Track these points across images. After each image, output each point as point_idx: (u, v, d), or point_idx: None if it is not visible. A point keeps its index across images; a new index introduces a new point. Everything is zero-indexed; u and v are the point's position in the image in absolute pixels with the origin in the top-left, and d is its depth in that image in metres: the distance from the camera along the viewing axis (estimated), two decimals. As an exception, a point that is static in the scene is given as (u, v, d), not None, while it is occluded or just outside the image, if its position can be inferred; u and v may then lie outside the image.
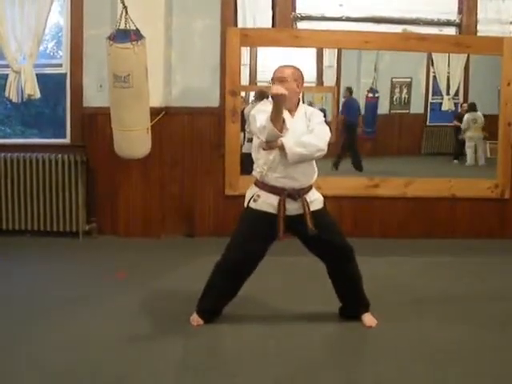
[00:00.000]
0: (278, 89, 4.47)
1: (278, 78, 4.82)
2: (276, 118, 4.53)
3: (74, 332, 4.91)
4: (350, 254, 5.04)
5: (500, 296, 5.93)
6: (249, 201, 4.96)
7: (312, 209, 4.87)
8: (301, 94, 5.11)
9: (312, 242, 4.96)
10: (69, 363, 4.34)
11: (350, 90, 9.81)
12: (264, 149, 4.76)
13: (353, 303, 5.19)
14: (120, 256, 7.18)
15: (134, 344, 4.72)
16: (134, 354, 4.54)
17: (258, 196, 4.89)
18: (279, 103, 4.49)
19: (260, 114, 4.75)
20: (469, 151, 9.95)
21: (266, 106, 4.77)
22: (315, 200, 4.95)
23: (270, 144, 4.68)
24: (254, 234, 4.91)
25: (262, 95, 8.42)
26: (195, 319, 5.09)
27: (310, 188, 4.95)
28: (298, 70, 4.94)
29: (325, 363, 4.51)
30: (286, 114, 4.70)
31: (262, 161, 4.88)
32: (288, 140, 4.67)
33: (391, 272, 6.65)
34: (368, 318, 5.12)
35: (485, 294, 6.00)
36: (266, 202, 4.86)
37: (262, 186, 4.90)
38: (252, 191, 4.96)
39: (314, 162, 4.93)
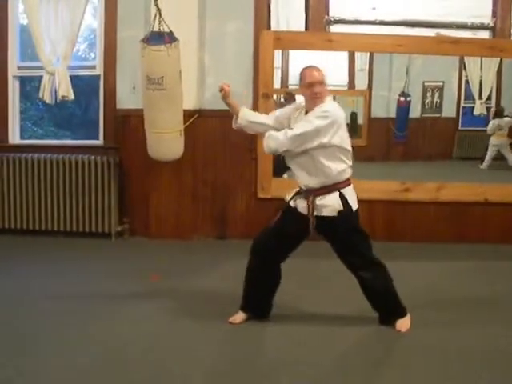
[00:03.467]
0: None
1: (318, 81, 4.87)
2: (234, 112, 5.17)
3: (109, 332, 4.95)
4: (369, 266, 5.03)
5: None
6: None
7: (323, 214, 4.89)
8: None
9: (333, 246, 5.07)
10: (105, 362, 4.40)
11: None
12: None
13: (386, 313, 5.18)
14: (152, 257, 7.22)
15: (170, 345, 4.75)
16: (171, 355, 4.57)
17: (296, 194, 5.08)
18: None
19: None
20: (488, 155, 9.88)
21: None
22: (328, 206, 4.90)
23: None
24: (284, 225, 5.04)
25: (290, 96, 8.44)
26: (234, 317, 5.17)
27: (326, 191, 4.91)
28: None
29: (354, 365, 4.51)
30: (302, 114, 4.97)
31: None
32: (268, 133, 4.94)
33: (423, 277, 6.62)
34: (400, 323, 5.10)
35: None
36: (290, 195, 5.08)
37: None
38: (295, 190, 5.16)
39: (329, 163, 4.87)
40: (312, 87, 4.83)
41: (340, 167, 4.88)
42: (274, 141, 4.86)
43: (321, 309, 5.53)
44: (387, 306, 5.15)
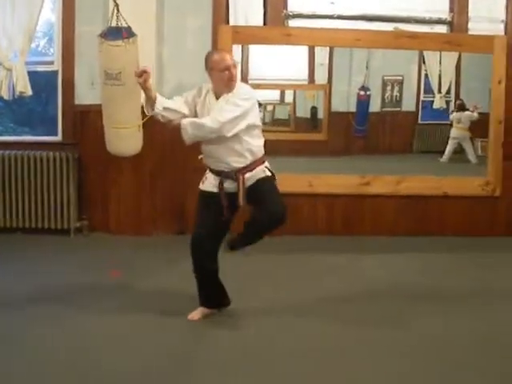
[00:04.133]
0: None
1: (233, 65, 5.02)
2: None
3: (66, 330, 4.92)
4: (279, 217, 4.98)
5: (490, 292, 5.99)
6: (200, 183, 5.23)
7: (249, 183, 5.00)
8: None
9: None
10: (62, 362, 4.36)
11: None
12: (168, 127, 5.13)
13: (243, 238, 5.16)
14: (112, 253, 7.20)
15: (128, 341, 4.75)
16: (129, 350, 4.57)
17: (206, 178, 5.19)
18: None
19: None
20: (448, 149, 9.93)
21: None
22: (252, 176, 5.04)
23: (170, 123, 5.08)
24: (206, 210, 5.11)
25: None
26: (192, 314, 5.20)
27: (253, 165, 5.05)
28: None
29: (317, 357, 4.53)
30: (212, 98, 5.04)
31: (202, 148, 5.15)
32: (187, 121, 4.95)
33: (382, 269, 6.67)
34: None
35: (476, 290, 6.04)
36: (210, 183, 5.12)
37: (209, 169, 5.18)
38: (205, 175, 5.22)
39: (253, 141, 5.05)
40: (229, 70, 4.96)
41: (261, 143, 5.14)
42: (199, 129, 4.90)
43: (280, 302, 5.56)
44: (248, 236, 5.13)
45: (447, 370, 4.31)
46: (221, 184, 5.04)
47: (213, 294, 5.27)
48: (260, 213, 4.99)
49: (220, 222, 5.07)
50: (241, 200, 4.98)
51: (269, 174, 5.11)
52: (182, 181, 7.91)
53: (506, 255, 7.35)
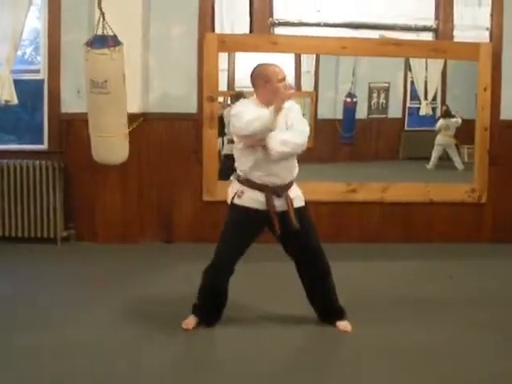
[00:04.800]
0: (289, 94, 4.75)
1: (284, 79, 4.93)
2: (274, 117, 4.62)
3: (53, 339, 4.89)
4: (323, 257, 5.08)
5: (476, 299, 5.98)
6: (233, 197, 4.99)
7: (294, 206, 4.93)
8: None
9: (291, 241, 5.01)
10: (50, 371, 4.34)
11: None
12: (247, 147, 4.83)
13: (328, 310, 5.20)
14: (98, 262, 7.16)
15: (116, 350, 4.74)
16: (116, 360, 4.56)
17: (242, 192, 4.93)
18: (282, 105, 4.64)
19: (246, 111, 4.79)
20: (433, 155, 9.96)
21: (248, 105, 4.92)
22: (297, 197, 5.01)
23: (253, 142, 4.78)
24: (241, 229, 4.95)
25: (238, 97, 8.42)
26: (186, 322, 5.11)
27: (291, 184, 5.00)
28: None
29: (304, 364, 4.55)
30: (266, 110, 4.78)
31: (244, 159, 4.93)
32: (271, 139, 4.73)
33: (368, 277, 6.68)
34: (343, 325, 5.13)
35: (461, 297, 6.05)
36: (251, 198, 4.91)
37: (246, 182, 4.94)
38: (235, 188, 5.00)
39: (295, 157, 4.99)
40: (284, 81, 4.90)
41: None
42: (300, 147, 4.89)
43: (270, 311, 5.54)
44: (331, 302, 5.18)
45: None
46: (270, 199, 4.87)
47: (215, 311, 5.17)
48: (315, 267, 5.06)
49: (248, 241, 5.00)
50: (293, 220, 4.86)
51: (304, 202, 5.06)
52: (169, 189, 7.92)
53: (492, 262, 7.36)
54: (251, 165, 4.89)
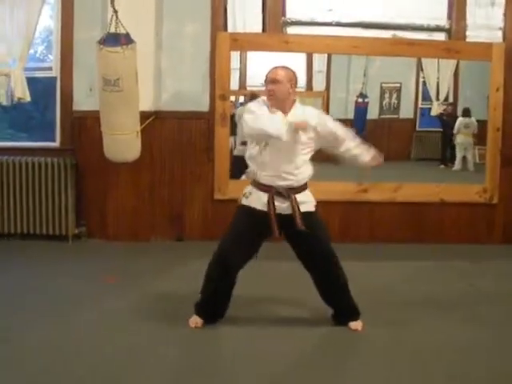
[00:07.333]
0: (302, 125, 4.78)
1: (271, 80, 4.90)
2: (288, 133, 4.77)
3: (66, 336, 4.91)
4: (335, 261, 5.06)
5: (487, 300, 5.98)
6: (241, 198, 5.03)
7: (302, 210, 4.90)
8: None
9: (300, 245, 5.00)
10: (62, 366, 4.36)
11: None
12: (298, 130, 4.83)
13: (341, 311, 5.19)
14: (110, 259, 7.18)
15: (127, 347, 4.74)
16: (128, 357, 4.57)
17: (250, 193, 4.98)
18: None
19: (260, 114, 4.85)
20: (457, 156, 9.95)
21: (260, 106, 4.93)
22: (307, 202, 4.97)
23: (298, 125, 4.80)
24: (244, 228, 4.96)
25: (253, 98, 8.41)
26: (193, 321, 5.11)
27: (302, 189, 4.96)
28: (292, 70, 5.00)
29: (315, 364, 4.55)
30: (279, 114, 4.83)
31: (253, 159, 4.96)
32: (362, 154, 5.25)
33: (379, 277, 6.66)
34: (355, 324, 5.13)
35: (473, 298, 6.04)
36: (256, 199, 4.93)
37: (254, 183, 4.97)
38: (245, 189, 5.04)
39: (308, 161, 4.98)
40: (268, 84, 4.95)
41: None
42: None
43: (278, 310, 5.55)
44: (345, 305, 5.17)
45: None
46: (271, 202, 4.88)
47: (216, 307, 5.16)
48: (326, 273, 5.07)
49: (252, 241, 4.99)
50: (298, 222, 4.84)
51: (313, 208, 5.04)
52: (180, 187, 7.93)
53: (503, 262, 7.34)
54: (259, 165, 4.93)
